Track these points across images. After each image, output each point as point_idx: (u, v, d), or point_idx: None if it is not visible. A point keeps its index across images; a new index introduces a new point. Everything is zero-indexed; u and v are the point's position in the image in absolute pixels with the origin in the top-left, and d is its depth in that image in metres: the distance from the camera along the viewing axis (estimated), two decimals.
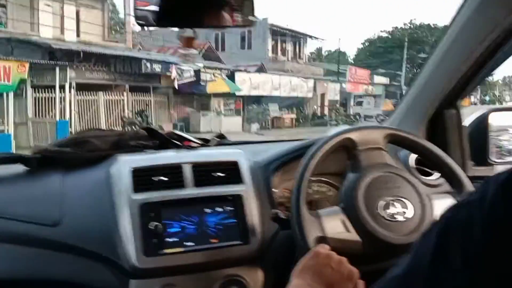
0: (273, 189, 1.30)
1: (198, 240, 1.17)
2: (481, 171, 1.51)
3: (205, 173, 1.25)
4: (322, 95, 28.78)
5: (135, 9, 1.12)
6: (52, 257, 1.15)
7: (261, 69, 24.28)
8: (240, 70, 22.46)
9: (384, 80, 35.06)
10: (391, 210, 1.04)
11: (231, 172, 1.27)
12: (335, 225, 1.04)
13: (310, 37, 32.43)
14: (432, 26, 45.15)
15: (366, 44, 47.60)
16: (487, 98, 54.10)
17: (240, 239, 1.19)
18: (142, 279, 1.14)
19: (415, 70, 42.13)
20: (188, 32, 1.18)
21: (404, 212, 1.05)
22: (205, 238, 1.18)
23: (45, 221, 1.16)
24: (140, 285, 1.13)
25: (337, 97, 30.59)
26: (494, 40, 1.25)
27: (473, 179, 1.16)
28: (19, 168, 1.31)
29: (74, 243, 1.15)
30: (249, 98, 23.25)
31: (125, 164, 1.23)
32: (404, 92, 31.69)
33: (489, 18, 1.22)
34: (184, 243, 1.16)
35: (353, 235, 1.04)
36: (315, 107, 28.47)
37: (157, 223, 1.14)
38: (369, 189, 1.06)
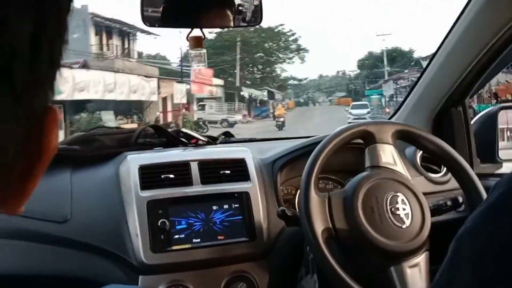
0: (279, 187, 1.30)
1: (205, 236, 1.17)
2: (489, 168, 1.50)
3: (212, 170, 1.25)
4: (164, 99, 23.39)
5: (142, 10, 1.12)
6: (61, 254, 1.16)
7: (84, 67, 18.18)
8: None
9: (220, 81, 32.28)
10: (394, 214, 1.03)
11: (238, 169, 1.27)
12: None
13: (143, 31, 26.20)
14: (264, 27, 44.26)
15: None
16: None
17: (246, 236, 1.20)
18: (150, 275, 1.14)
19: (248, 71, 44.81)
20: (196, 32, 1.18)
21: (404, 221, 1.03)
22: (212, 235, 1.18)
23: (54, 218, 1.17)
24: (148, 281, 1.14)
25: (184, 100, 25.48)
26: (501, 38, 1.23)
27: (480, 176, 1.14)
28: None
29: (82, 240, 1.16)
30: (73, 104, 16.82)
31: (133, 162, 1.24)
32: (242, 93, 29.92)
33: (496, 16, 1.21)
34: (192, 239, 1.16)
35: None
36: (158, 113, 22.58)
37: (164, 220, 1.14)
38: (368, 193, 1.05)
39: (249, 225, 1.20)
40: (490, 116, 1.53)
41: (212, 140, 1.47)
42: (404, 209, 1.03)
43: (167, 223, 1.15)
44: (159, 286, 1.13)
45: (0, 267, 1.15)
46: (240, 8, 1.19)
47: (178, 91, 23.99)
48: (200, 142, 1.43)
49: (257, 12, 1.20)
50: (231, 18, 1.18)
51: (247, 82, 42.02)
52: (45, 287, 1.13)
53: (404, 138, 1.16)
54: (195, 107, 27.74)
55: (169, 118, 23.22)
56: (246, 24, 1.25)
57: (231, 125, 25.83)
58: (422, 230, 1.02)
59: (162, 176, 1.21)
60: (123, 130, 1.46)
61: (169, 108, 23.91)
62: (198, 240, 1.16)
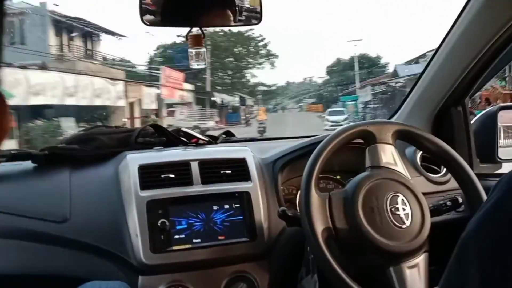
0: (280, 186, 1.29)
1: (206, 237, 1.16)
2: (488, 168, 1.49)
3: (212, 170, 1.24)
4: (132, 104, 21.09)
5: (141, 9, 1.11)
6: (60, 253, 1.15)
7: (42, 69, 16.05)
8: (10, 66, 12.85)
9: (190, 86, 29.53)
10: (394, 214, 1.02)
11: (238, 169, 1.26)
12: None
13: (107, 31, 24.36)
14: (233, 31, 42.75)
15: (160, 49, 40.79)
16: None
17: (247, 236, 1.19)
18: (150, 276, 1.13)
19: (218, 76, 42.54)
20: (196, 30, 1.18)
21: (404, 222, 1.02)
22: (213, 235, 1.17)
23: (53, 217, 1.16)
24: (148, 281, 1.13)
25: (154, 105, 23.51)
26: (501, 38, 1.22)
27: (480, 176, 1.14)
28: (28, 165, 1.31)
29: (82, 240, 1.15)
30: (28, 109, 14.59)
31: (132, 161, 1.23)
32: (214, 99, 28.02)
33: (496, 15, 1.20)
34: (192, 239, 1.15)
35: None
36: (124, 119, 19.34)
37: (164, 220, 1.14)
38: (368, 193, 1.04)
39: (249, 225, 1.20)
40: (489, 116, 1.52)
41: (213, 140, 1.46)
42: (404, 210, 1.02)
43: (167, 223, 1.14)
44: (159, 287, 1.12)
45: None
46: (239, 7, 1.18)
47: (147, 96, 22.08)
48: (201, 141, 1.42)
49: (257, 12, 1.20)
50: (231, 17, 1.17)
51: (218, 87, 40.67)
52: (44, 286, 1.12)
53: (404, 138, 1.15)
54: (164, 113, 24.71)
55: (137, 124, 18.54)
56: (246, 24, 1.24)
57: (204, 132, 23.27)
58: (422, 231, 1.01)
59: (162, 176, 1.20)
60: (122, 129, 1.45)
61: (137, 114, 21.58)
62: (199, 240, 1.16)
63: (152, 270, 1.12)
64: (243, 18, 1.19)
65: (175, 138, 1.41)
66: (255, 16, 1.20)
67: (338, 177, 1.39)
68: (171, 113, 25.41)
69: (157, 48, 40.10)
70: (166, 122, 22.01)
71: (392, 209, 1.01)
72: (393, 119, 1.55)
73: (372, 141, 1.10)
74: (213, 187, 1.22)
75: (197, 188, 1.21)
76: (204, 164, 1.25)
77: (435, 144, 1.14)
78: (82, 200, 1.20)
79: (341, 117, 27.75)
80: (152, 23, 1.16)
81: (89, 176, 1.28)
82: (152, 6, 1.15)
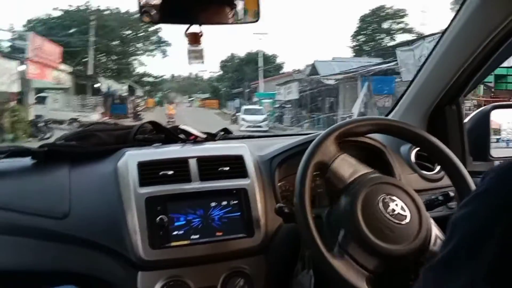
0: (277, 183, 1.29)
1: (204, 233, 1.16)
2: (481, 166, 1.50)
3: (210, 167, 1.24)
4: None
5: (140, 6, 1.11)
6: (60, 250, 1.14)
7: None
8: None
9: (67, 67, 22.51)
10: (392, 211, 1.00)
11: (236, 166, 1.26)
12: (346, 167, 1.04)
13: None
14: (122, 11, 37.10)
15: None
16: None
17: (244, 232, 1.19)
18: (149, 271, 1.13)
19: (102, 61, 37.05)
20: (194, 28, 1.17)
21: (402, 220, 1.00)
22: (211, 231, 1.17)
23: (53, 214, 1.16)
24: (147, 276, 1.13)
25: (16, 87, 15.23)
26: (496, 37, 1.23)
27: (473, 174, 1.14)
28: (27, 161, 1.30)
29: (81, 236, 1.14)
30: None
31: (131, 158, 1.22)
32: (98, 85, 22.99)
33: (491, 15, 1.20)
34: (190, 236, 1.15)
35: None
36: None
37: (163, 216, 1.13)
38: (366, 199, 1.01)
39: (247, 222, 1.20)
40: (483, 115, 1.53)
41: (211, 137, 1.46)
42: (396, 207, 0.99)
43: (166, 219, 1.13)
44: (158, 282, 1.12)
45: None
46: (237, 5, 1.18)
47: (4, 72, 14.29)
48: (199, 138, 1.42)
49: (255, 9, 1.19)
50: (230, 15, 1.17)
51: (103, 72, 34.12)
52: (44, 283, 1.12)
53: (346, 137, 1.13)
54: (31, 99, 17.28)
55: None
56: (244, 22, 1.24)
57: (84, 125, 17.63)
58: (421, 228, 0.99)
59: (161, 173, 1.20)
60: (121, 126, 1.45)
61: None
62: (197, 236, 1.16)
63: (151, 265, 1.12)
64: (241, 16, 1.19)
65: (173, 135, 1.41)
66: (253, 13, 1.19)
67: None
68: (41, 100, 19.42)
69: (28, 23, 32.62)
70: (34, 112, 16.62)
71: (387, 210, 0.99)
72: (390, 116, 1.56)
73: (324, 170, 1.06)
74: (211, 184, 1.22)
75: (195, 185, 1.21)
76: (202, 161, 1.25)
77: (416, 134, 1.13)
78: (81, 196, 1.20)
79: (260, 117, 24.69)
80: (151, 20, 1.15)
81: (89, 172, 1.27)
82: (151, 3, 1.14)
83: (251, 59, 46.42)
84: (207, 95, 64.03)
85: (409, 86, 1.51)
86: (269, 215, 1.22)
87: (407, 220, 0.98)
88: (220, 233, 1.17)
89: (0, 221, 1.15)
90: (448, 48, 1.34)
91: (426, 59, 1.42)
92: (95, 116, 21.22)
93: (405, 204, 1.01)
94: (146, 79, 48.54)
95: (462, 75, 1.35)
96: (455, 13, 1.29)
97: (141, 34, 40.59)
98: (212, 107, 52.31)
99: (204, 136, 1.43)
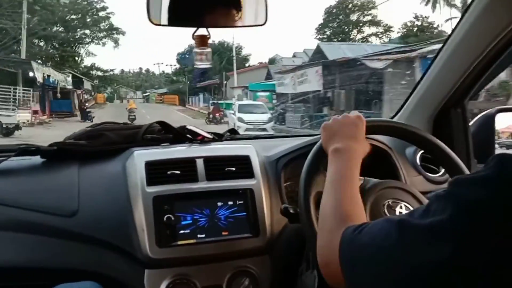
0: (283, 184, 1.29)
1: (210, 232, 1.16)
2: None
3: (217, 167, 1.24)
4: None
5: (148, 9, 1.10)
6: (68, 247, 1.14)
7: None
8: None
9: None
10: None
11: (243, 166, 1.26)
12: None
13: None
14: None
15: None
16: None
17: (250, 232, 1.18)
18: (156, 269, 1.13)
19: (46, 46, 32.40)
20: (202, 31, 1.17)
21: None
22: (217, 231, 1.17)
23: (62, 211, 1.16)
24: (154, 274, 1.12)
25: None
26: (501, 41, 1.21)
27: None
28: (37, 160, 1.30)
29: (89, 234, 1.14)
30: None
31: (139, 158, 1.22)
32: (33, 74, 17.10)
33: (497, 19, 1.19)
34: (196, 235, 1.15)
35: None
36: None
37: (170, 215, 1.13)
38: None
39: (252, 222, 1.19)
40: (487, 118, 1.51)
41: (218, 137, 1.46)
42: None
43: (173, 218, 1.13)
44: (164, 280, 1.12)
45: (6, 259, 1.14)
46: (245, 8, 1.17)
47: None
48: (206, 139, 1.41)
49: (262, 12, 1.19)
50: (237, 18, 1.16)
51: (41, 60, 27.43)
52: (52, 279, 1.12)
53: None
54: None
55: None
56: (251, 24, 1.23)
57: (9, 132, 14.62)
58: None
59: (168, 172, 1.20)
60: (129, 126, 1.45)
61: None
62: (203, 235, 1.15)
63: (157, 264, 1.12)
64: (249, 18, 1.18)
65: (181, 135, 1.41)
66: (260, 16, 1.19)
67: None
68: None
69: None
70: None
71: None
72: (395, 119, 1.55)
73: None
74: (218, 183, 1.21)
75: (202, 185, 1.20)
76: (209, 161, 1.24)
77: (407, 131, 1.11)
78: (90, 195, 1.20)
79: (263, 117, 18.20)
80: (159, 23, 1.15)
81: (97, 171, 1.27)
82: (159, 5, 1.14)
83: (215, 50, 40.05)
84: (164, 90, 57.56)
85: (414, 89, 1.49)
86: (274, 215, 1.21)
87: None
88: (226, 233, 1.17)
89: (9, 219, 1.15)
90: (454, 51, 1.32)
91: (432, 62, 1.41)
92: (25, 115, 16.23)
93: (412, 206, 1.00)
94: (95, 72, 42.68)
95: (468, 79, 1.34)
96: (460, 16, 1.27)
97: (89, 20, 35.44)
98: (172, 103, 47.33)
99: (211, 136, 1.43)
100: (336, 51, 20.56)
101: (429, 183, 1.36)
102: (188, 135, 1.41)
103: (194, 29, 1.15)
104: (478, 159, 1.49)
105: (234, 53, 33.79)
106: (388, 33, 41.42)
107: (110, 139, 1.34)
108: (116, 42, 37.82)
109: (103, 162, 1.30)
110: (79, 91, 27.48)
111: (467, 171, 1.08)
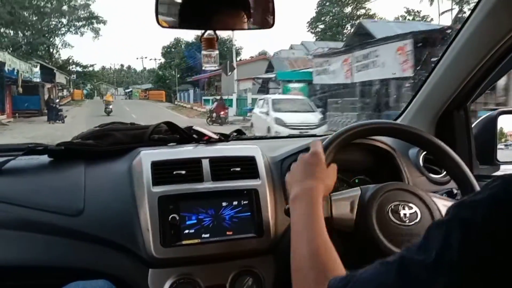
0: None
1: (214, 232, 1.15)
2: (487, 170, 1.49)
3: (222, 167, 1.23)
4: None
5: (157, 11, 1.10)
6: (74, 246, 1.14)
7: None
8: None
9: None
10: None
11: (248, 167, 1.25)
12: (343, 207, 1.00)
13: None
14: None
15: None
16: None
17: (254, 232, 1.18)
18: (160, 269, 1.12)
19: (14, 33, 27.89)
20: (209, 33, 1.18)
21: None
22: (221, 231, 1.16)
23: (68, 211, 1.15)
24: (158, 274, 1.12)
25: None
26: (505, 44, 1.21)
27: (479, 177, 1.13)
28: (44, 159, 1.30)
29: (95, 233, 1.14)
30: None
31: (145, 158, 1.22)
32: None
33: (501, 22, 1.18)
34: (201, 234, 1.14)
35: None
36: None
37: (175, 215, 1.12)
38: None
39: (257, 222, 1.18)
40: (490, 120, 1.51)
41: (224, 138, 1.45)
42: (407, 212, 0.98)
43: (178, 218, 1.12)
44: (168, 279, 1.11)
45: (13, 258, 1.13)
46: (253, 10, 1.17)
47: None
48: (212, 139, 1.41)
49: (270, 15, 1.19)
50: (245, 20, 1.16)
51: (6, 49, 23.42)
52: (58, 278, 1.12)
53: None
54: None
55: None
56: (259, 27, 1.23)
57: None
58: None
59: (174, 172, 1.19)
60: (137, 126, 1.44)
61: None
62: (207, 235, 1.14)
63: (162, 263, 1.11)
64: (256, 21, 1.18)
65: (187, 135, 1.40)
66: (267, 19, 1.19)
67: (343, 176, 1.38)
68: None
69: None
70: None
71: (400, 217, 0.98)
72: (398, 121, 1.55)
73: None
74: (223, 184, 1.20)
75: (207, 185, 1.20)
76: (215, 161, 1.24)
77: (406, 131, 1.13)
78: (96, 194, 1.19)
79: (311, 117, 12.97)
80: (168, 25, 1.15)
81: (104, 171, 1.27)
82: (169, 8, 1.14)
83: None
84: (148, 86, 53.11)
85: (418, 91, 1.49)
86: (279, 215, 1.20)
87: (417, 219, 0.98)
88: (230, 233, 1.16)
89: (17, 217, 1.14)
90: (457, 54, 1.32)
91: (436, 65, 1.41)
92: None
93: (414, 205, 1.00)
94: (73, 67, 38.04)
95: (471, 81, 1.34)
96: (465, 20, 1.27)
97: (65, 7, 31.31)
98: (158, 99, 43.57)
99: (217, 137, 1.43)
100: (386, 29, 15.46)
101: (432, 184, 1.36)
102: (194, 136, 1.41)
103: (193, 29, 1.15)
104: (480, 161, 1.49)
105: (234, 41, 29.01)
106: None
107: (117, 139, 1.34)
108: (96, 32, 33.99)
109: (110, 161, 1.29)
110: (49, 85, 23.10)
111: (469, 172, 1.08)
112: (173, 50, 47.58)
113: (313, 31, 40.80)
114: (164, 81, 47.09)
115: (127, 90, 61.53)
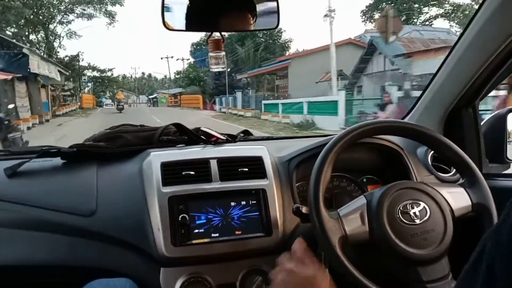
0: (294, 184, 1.27)
1: (223, 231, 1.14)
2: (497, 168, 1.45)
3: (230, 168, 1.22)
4: None
5: (163, 14, 1.10)
6: (86, 245, 1.14)
7: None
8: None
9: None
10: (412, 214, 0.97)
11: (255, 167, 1.24)
12: (355, 221, 0.97)
13: None
14: None
15: None
16: None
17: (262, 231, 1.17)
18: (171, 268, 1.12)
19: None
20: (216, 35, 1.17)
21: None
22: (230, 230, 1.15)
23: (81, 211, 1.15)
24: (169, 273, 1.11)
25: None
26: (511, 43, 1.18)
27: (489, 176, 1.10)
28: (57, 161, 1.31)
29: (107, 233, 1.14)
30: None
31: (155, 159, 1.22)
32: None
33: (509, 19, 1.15)
34: (210, 234, 1.13)
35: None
36: None
37: (185, 215, 1.12)
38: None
39: (265, 221, 1.17)
40: (499, 118, 1.48)
41: (231, 138, 1.45)
42: (417, 213, 0.96)
43: (187, 218, 1.12)
44: (180, 278, 1.11)
45: (28, 257, 1.14)
46: (258, 11, 1.16)
47: None
48: (220, 140, 1.41)
49: (274, 16, 1.18)
50: (251, 21, 1.15)
51: None
52: (70, 277, 1.12)
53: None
54: None
55: None
56: (264, 28, 1.22)
57: None
58: (445, 236, 0.96)
59: (183, 173, 1.18)
60: (146, 128, 1.45)
61: None
62: (217, 234, 1.14)
63: (172, 262, 1.11)
64: (261, 22, 1.17)
65: (195, 136, 1.40)
66: (272, 19, 1.18)
67: (350, 175, 1.36)
68: None
69: None
70: None
71: (409, 214, 0.96)
72: (406, 119, 1.52)
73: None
74: (231, 184, 1.19)
75: (216, 185, 1.19)
76: (223, 162, 1.23)
77: (408, 128, 1.11)
78: (108, 195, 1.19)
79: None
80: (175, 28, 1.14)
81: (115, 172, 1.27)
82: (175, 11, 1.13)
83: (244, 36, 31.13)
84: (178, 90, 44.45)
85: (425, 89, 1.46)
86: (286, 215, 1.19)
87: (428, 215, 0.96)
88: (239, 232, 1.15)
89: (31, 218, 1.15)
90: (465, 51, 1.29)
91: (443, 62, 1.38)
92: None
93: (422, 201, 0.98)
94: (90, 72, 31.19)
95: (479, 79, 1.30)
96: (472, 16, 1.24)
97: None
98: (195, 106, 35.04)
99: (225, 137, 1.42)
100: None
101: (441, 183, 1.33)
102: (202, 137, 1.40)
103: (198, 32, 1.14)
104: (490, 159, 1.46)
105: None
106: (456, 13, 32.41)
107: (127, 141, 1.34)
108: (111, 16, 25.97)
109: (121, 163, 1.30)
110: (9, 77, 13.96)
111: (477, 171, 1.05)
112: (203, 47, 38.05)
113: (367, 21, 34.32)
114: (199, 84, 39.65)
115: (151, 96, 54.48)
